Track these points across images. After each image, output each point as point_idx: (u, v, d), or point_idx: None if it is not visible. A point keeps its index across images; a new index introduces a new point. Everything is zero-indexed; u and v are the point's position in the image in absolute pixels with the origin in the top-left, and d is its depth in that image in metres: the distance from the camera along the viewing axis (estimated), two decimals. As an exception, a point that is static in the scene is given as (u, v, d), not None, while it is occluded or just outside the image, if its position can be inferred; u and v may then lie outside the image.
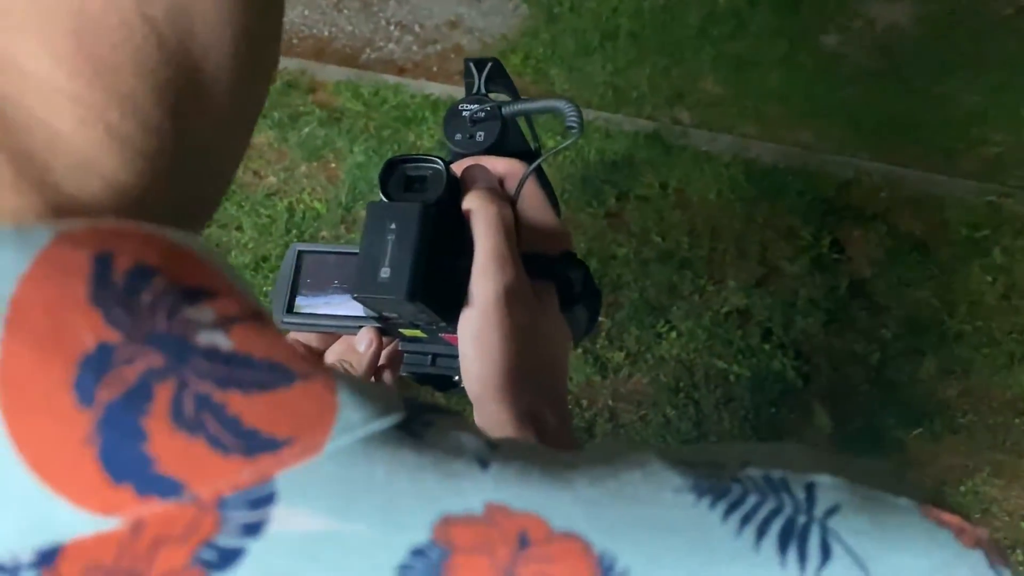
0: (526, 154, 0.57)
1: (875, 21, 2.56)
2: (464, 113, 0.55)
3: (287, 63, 2.50)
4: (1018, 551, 1.79)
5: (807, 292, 2.06)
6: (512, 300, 0.47)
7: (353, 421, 0.20)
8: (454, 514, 0.20)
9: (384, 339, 0.56)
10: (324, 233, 2.21)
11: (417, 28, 2.72)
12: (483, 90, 0.57)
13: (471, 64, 0.58)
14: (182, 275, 0.20)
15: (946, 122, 2.34)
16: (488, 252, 0.47)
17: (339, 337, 0.59)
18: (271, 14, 0.25)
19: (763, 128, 2.38)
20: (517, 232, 0.50)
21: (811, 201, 2.20)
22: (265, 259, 2.15)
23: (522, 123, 0.59)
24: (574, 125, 0.50)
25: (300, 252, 0.58)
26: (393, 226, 0.46)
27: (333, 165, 2.33)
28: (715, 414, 1.93)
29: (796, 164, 2.27)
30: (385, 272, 0.46)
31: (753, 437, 1.90)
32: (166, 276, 0.20)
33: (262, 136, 2.34)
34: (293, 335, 0.59)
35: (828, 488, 0.23)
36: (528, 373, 0.48)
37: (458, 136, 0.55)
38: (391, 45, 2.68)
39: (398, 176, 0.51)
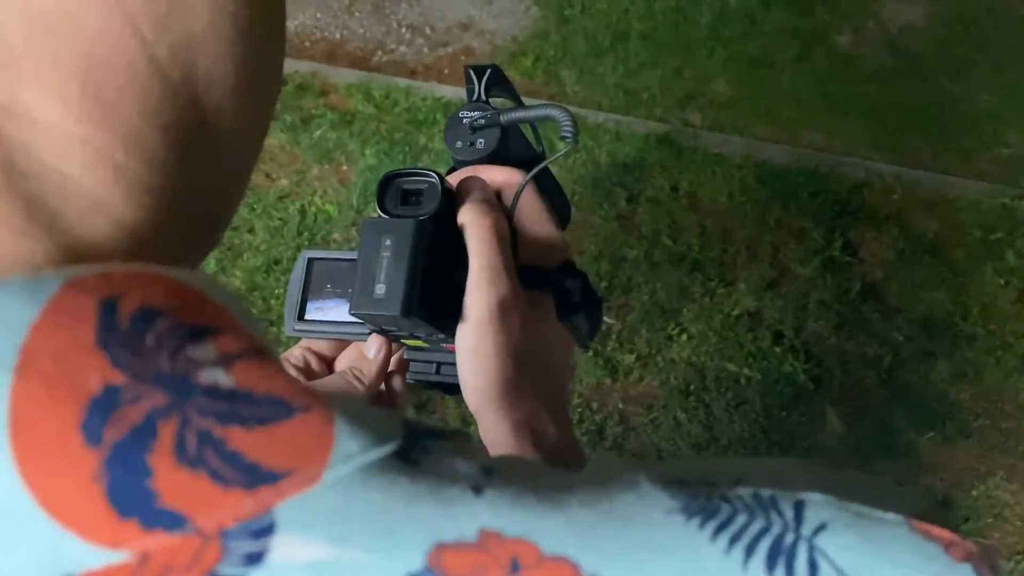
0: (529, 160, 0.57)
1: (889, 21, 2.54)
2: (464, 120, 0.55)
3: (299, 66, 2.51)
4: (1032, 556, 1.77)
5: (819, 295, 2.05)
6: (507, 313, 0.47)
7: (350, 451, 0.20)
8: (447, 541, 0.20)
9: (394, 345, 0.56)
10: (336, 235, 2.22)
11: (428, 30, 2.73)
12: (483, 97, 0.57)
13: (471, 71, 0.58)
14: (186, 314, 0.21)
15: (960, 123, 2.32)
16: (481, 265, 0.48)
17: (350, 343, 0.59)
18: (272, 45, 0.26)
19: (775, 129, 2.37)
20: (514, 244, 0.50)
21: (823, 203, 2.18)
22: (277, 262, 2.16)
23: (526, 128, 0.59)
24: (568, 135, 0.50)
25: (310, 259, 0.58)
26: (388, 242, 0.47)
27: (345, 168, 2.34)
28: (726, 417, 1.92)
29: (808, 166, 2.26)
30: (380, 288, 0.46)
31: (764, 440, 1.89)
32: (170, 316, 0.21)
33: (274, 139, 2.35)
34: (305, 342, 0.59)
35: (817, 505, 0.23)
36: (525, 384, 0.48)
37: (458, 143, 0.55)
38: (402, 47, 2.69)
39: (394, 190, 0.51)
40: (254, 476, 0.20)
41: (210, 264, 2.14)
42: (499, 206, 0.51)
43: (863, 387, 1.95)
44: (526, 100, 0.57)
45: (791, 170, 2.26)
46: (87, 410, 0.19)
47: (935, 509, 0.25)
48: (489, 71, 0.57)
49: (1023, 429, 1.88)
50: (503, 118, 0.54)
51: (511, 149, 0.56)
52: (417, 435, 0.23)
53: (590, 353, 1.96)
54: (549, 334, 0.51)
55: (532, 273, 0.51)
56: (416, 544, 0.20)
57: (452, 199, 0.50)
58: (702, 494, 0.23)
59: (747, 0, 2.63)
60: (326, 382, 0.55)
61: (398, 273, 0.46)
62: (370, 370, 0.55)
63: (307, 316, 0.57)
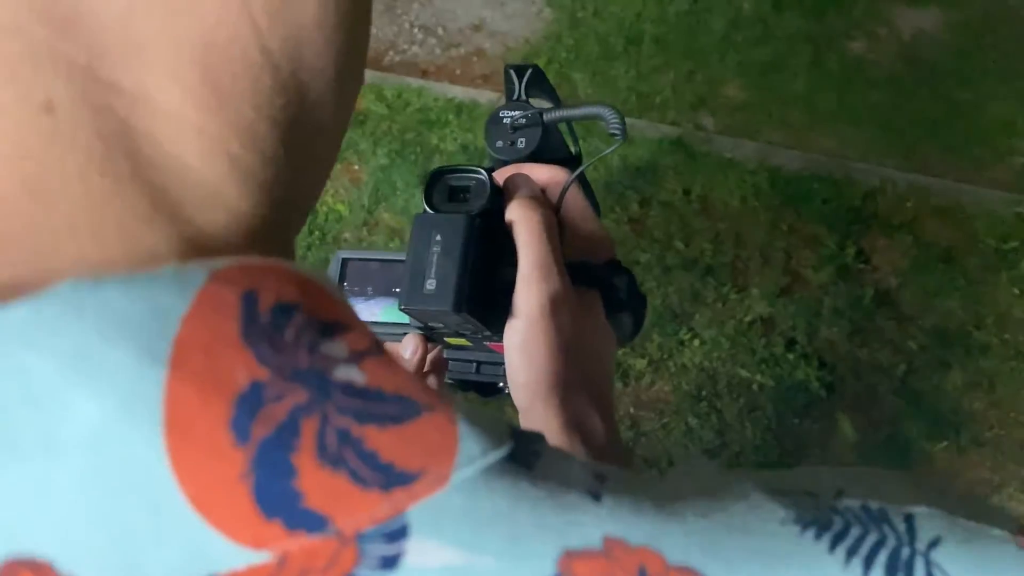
0: (567, 160, 0.57)
1: (902, 27, 2.54)
2: (505, 120, 0.55)
3: (311, 65, 2.50)
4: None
5: (832, 301, 2.04)
6: (557, 309, 0.47)
7: (473, 452, 0.20)
8: (575, 548, 0.20)
9: (428, 344, 0.56)
10: (347, 235, 2.21)
11: (440, 31, 2.72)
12: (523, 96, 0.57)
13: (511, 70, 0.57)
14: (317, 309, 0.21)
15: (974, 131, 2.31)
16: (532, 262, 0.47)
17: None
18: (365, 33, 0.25)
19: (788, 135, 2.36)
20: (561, 240, 0.50)
21: (836, 209, 2.18)
22: (287, 261, 2.15)
23: (562, 128, 0.59)
24: (617, 132, 0.49)
25: (345, 260, 0.58)
26: (438, 237, 0.47)
27: (356, 167, 2.34)
28: (738, 423, 1.91)
29: (821, 172, 2.25)
30: (431, 284, 0.46)
31: (776, 447, 1.88)
32: (304, 311, 0.20)
33: (285, 138, 2.34)
34: None
35: (927, 519, 0.23)
36: (574, 381, 0.48)
37: (499, 143, 0.55)
38: (414, 48, 2.68)
39: (442, 187, 0.50)
40: (390, 477, 0.19)
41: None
42: (547, 202, 0.51)
43: (876, 395, 1.94)
44: (537, 102, 0.57)
45: (804, 176, 2.25)
46: (236, 406, 0.19)
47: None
48: (530, 71, 0.57)
49: (1039, 440, 1.87)
50: (546, 117, 0.54)
51: (551, 149, 0.56)
52: (524, 438, 0.22)
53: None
54: (597, 332, 0.51)
55: (580, 270, 0.50)
56: (546, 551, 0.20)
57: (499, 196, 0.50)
58: (810, 505, 0.23)
59: (760, 5, 2.62)
60: None
61: (449, 268, 0.46)
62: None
63: None
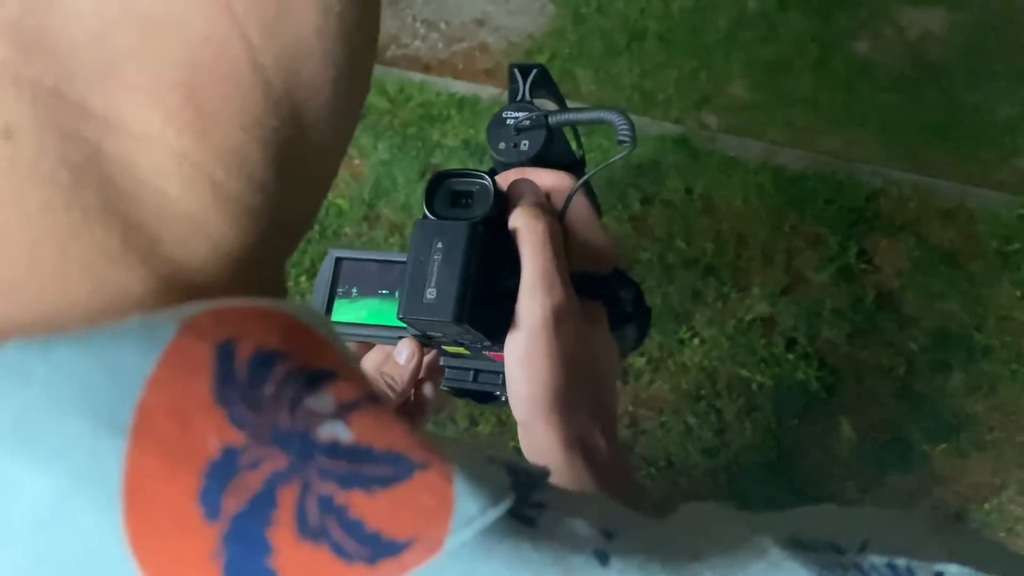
0: (571, 164, 0.55)
1: (908, 28, 2.52)
2: (509, 121, 0.53)
3: (313, 58, 2.49)
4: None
5: (833, 302, 2.03)
6: (561, 322, 0.46)
7: (471, 513, 0.19)
8: None
9: (424, 349, 0.55)
10: (347, 230, 2.20)
11: (443, 25, 2.71)
12: (528, 97, 0.55)
13: (516, 70, 0.56)
14: (302, 356, 0.19)
15: (979, 132, 2.30)
16: (536, 273, 0.46)
17: (374, 346, 0.57)
18: (370, 47, 0.24)
19: (792, 135, 2.35)
20: (565, 249, 0.49)
21: (839, 210, 2.17)
22: (287, 255, 2.14)
23: (566, 130, 0.57)
24: (626, 139, 0.48)
25: (338, 259, 0.56)
26: (440, 245, 0.45)
27: (357, 162, 2.33)
28: (737, 423, 1.91)
29: (825, 172, 2.24)
30: (431, 293, 0.45)
31: (775, 448, 1.87)
32: (286, 359, 0.19)
33: (287, 131, 2.33)
34: None
35: None
36: (577, 396, 0.46)
37: (502, 145, 0.53)
38: (417, 42, 2.67)
39: (444, 191, 0.49)
40: (376, 548, 0.18)
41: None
42: (552, 210, 0.50)
43: (877, 397, 1.93)
44: (542, 103, 0.56)
45: (807, 176, 2.24)
46: (206, 477, 0.17)
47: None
48: (535, 71, 0.56)
49: (1039, 444, 1.87)
50: (552, 120, 0.52)
51: (554, 152, 0.54)
52: (522, 483, 0.21)
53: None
54: (601, 345, 0.49)
55: (584, 281, 0.49)
56: None
57: (503, 202, 0.49)
58: (836, 565, 0.21)
59: (765, 4, 2.61)
60: None
61: (450, 278, 0.45)
62: (402, 376, 0.54)
63: (335, 317, 0.56)
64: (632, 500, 0.47)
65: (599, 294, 0.50)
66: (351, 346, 0.58)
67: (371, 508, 0.18)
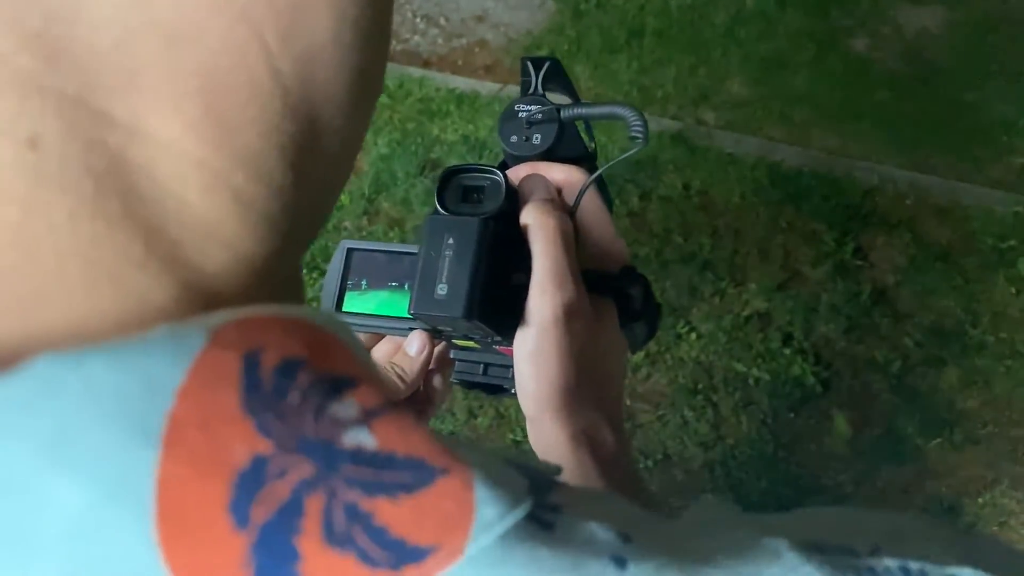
0: (583, 158, 0.55)
1: (905, 26, 2.54)
2: (521, 114, 0.53)
3: (313, 53, 2.50)
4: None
5: (829, 298, 2.05)
6: (571, 318, 0.46)
7: (490, 518, 0.19)
8: None
9: (434, 340, 0.55)
10: (347, 224, 2.21)
11: (443, 21, 2.72)
12: (540, 90, 0.55)
13: (528, 63, 0.55)
14: (324, 363, 0.19)
15: (974, 131, 2.32)
16: (547, 269, 0.46)
17: (384, 337, 0.58)
18: (384, 52, 0.24)
19: (789, 131, 2.36)
20: (576, 245, 0.49)
21: (835, 206, 2.18)
22: (287, 248, 2.15)
23: (579, 125, 0.57)
24: (639, 135, 0.48)
25: (350, 250, 0.57)
26: (451, 241, 0.45)
27: (357, 156, 2.33)
28: (733, 417, 1.93)
29: (821, 169, 2.26)
30: (442, 289, 0.45)
31: (771, 442, 1.89)
32: (310, 367, 0.19)
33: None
34: None
35: None
36: (585, 392, 0.47)
37: (513, 138, 0.53)
38: (416, 38, 2.68)
39: (455, 187, 0.49)
40: (400, 555, 0.18)
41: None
42: (563, 206, 0.50)
43: (872, 392, 1.95)
44: (554, 97, 0.56)
45: (804, 172, 2.26)
46: (235, 487, 0.17)
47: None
48: (548, 64, 0.55)
49: (1032, 438, 1.89)
50: (564, 114, 0.52)
51: (566, 146, 0.55)
52: (542, 487, 0.21)
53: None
54: (610, 341, 0.50)
55: (594, 277, 0.49)
56: None
57: (514, 197, 0.49)
58: (850, 568, 0.21)
59: (764, 1, 2.62)
60: None
61: (461, 274, 0.45)
62: (412, 368, 0.54)
63: (345, 307, 0.56)
64: (634, 493, 0.47)
65: (609, 291, 0.50)
66: (361, 337, 0.58)
67: (395, 515, 0.18)
